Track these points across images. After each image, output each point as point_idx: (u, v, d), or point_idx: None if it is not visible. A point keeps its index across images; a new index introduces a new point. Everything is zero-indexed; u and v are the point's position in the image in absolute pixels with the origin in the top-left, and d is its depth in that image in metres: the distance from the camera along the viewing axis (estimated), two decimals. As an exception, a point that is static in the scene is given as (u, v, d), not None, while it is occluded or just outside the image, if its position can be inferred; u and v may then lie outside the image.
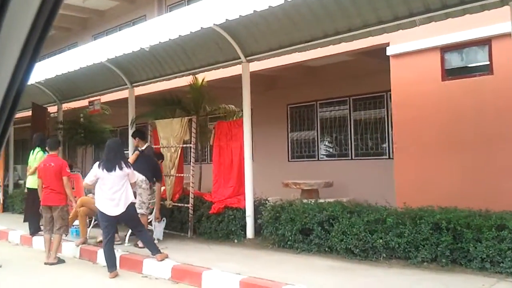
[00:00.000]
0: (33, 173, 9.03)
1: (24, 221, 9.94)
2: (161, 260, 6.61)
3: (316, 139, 12.35)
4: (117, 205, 6.59)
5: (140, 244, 7.44)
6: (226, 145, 8.69)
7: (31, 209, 9.27)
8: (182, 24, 6.99)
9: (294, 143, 12.88)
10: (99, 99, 12.13)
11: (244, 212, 7.85)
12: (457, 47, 7.70)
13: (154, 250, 6.75)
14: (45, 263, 7.37)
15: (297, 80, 11.91)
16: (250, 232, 7.78)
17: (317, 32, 7.31)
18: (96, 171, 6.71)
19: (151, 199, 8.16)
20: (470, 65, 7.73)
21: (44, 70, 9.60)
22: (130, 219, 6.88)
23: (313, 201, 7.34)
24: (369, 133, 11.24)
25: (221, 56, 8.58)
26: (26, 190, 10.08)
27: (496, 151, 7.22)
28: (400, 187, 8.02)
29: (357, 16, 6.76)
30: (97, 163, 6.88)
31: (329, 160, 12.01)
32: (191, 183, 8.78)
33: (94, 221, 8.62)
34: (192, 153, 8.91)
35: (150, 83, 10.40)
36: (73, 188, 8.24)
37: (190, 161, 8.92)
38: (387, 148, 10.84)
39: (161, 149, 9.30)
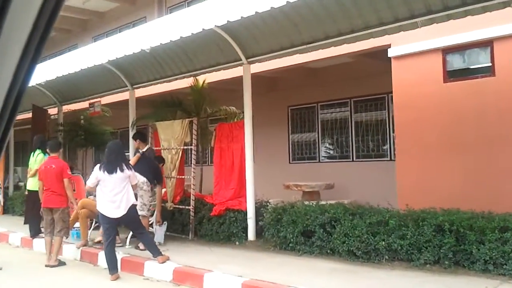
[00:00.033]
0: (33, 175, 9.01)
1: (25, 223, 9.92)
2: (162, 262, 6.59)
3: (317, 141, 12.33)
4: (118, 207, 6.57)
5: (141, 246, 7.42)
6: (227, 147, 8.67)
7: (31, 211, 9.24)
8: (183, 25, 6.98)
9: (295, 145, 12.87)
10: (100, 101, 12.12)
11: (246, 214, 7.83)
12: (459, 48, 7.69)
13: (156, 252, 6.72)
14: (46, 266, 7.34)
15: (298, 82, 11.90)
16: (251, 234, 7.76)
17: (318, 33, 7.30)
18: (97, 173, 6.69)
19: (152, 201, 8.15)
20: (472, 67, 7.72)
21: (44, 72, 9.60)
22: (131, 221, 6.85)
23: (314, 203, 7.32)
24: (370, 135, 11.22)
25: (222, 57, 8.56)
26: (26, 192, 10.06)
27: (498, 152, 7.20)
28: (402, 189, 8.00)
29: (358, 17, 6.75)
30: (98, 165, 6.86)
31: (330, 162, 11.99)
32: (192, 185, 8.76)
33: (95, 223, 8.61)
34: (193, 155, 8.89)
35: (151, 84, 10.39)
36: (74, 190, 8.21)
37: (191, 163, 8.89)
38: (388, 150, 10.82)
39: (162, 151, 9.28)
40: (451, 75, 7.78)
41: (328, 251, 6.55)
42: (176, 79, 9.75)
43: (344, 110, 11.76)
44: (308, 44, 7.48)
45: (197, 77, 9.83)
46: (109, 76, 10.51)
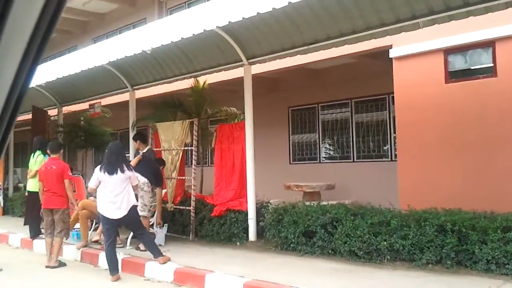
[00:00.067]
0: (33, 176, 8.99)
1: (25, 224, 9.87)
2: (163, 263, 6.57)
3: (317, 141, 12.32)
4: (118, 208, 6.54)
5: (141, 247, 7.40)
6: (228, 148, 8.66)
7: (31, 212, 9.20)
8: (184, 26, 6.97)
9: (296, 145, 12.86)
10: (100, 102, 12.11)
11: (246, 214, 7.81)
12: (461, 49, 7.68)
13: (156, 253, 6.70)
14: (46, 267, 7.32)
15: (298, 83, 11.89)
16: (252, 235, 7.75)
17: (320, 34, 7.29)
18: (98, 175, 6.67)
19: (153, 201, 8.13)
20: (473, 67, 7.71)
21: (44, 73, 9.59)
22: (132, 222, 6.82)
23: (316, 204, 7.31)
24: (371, 135, 11.21)
25: (223, 58, 8.55)
26: (26, 194, 10.04)
27: (500, 152, 7.20)
28: (403, 189, 7.98)
29: (360, 18, 6.74)
30: (99, 166, 6.84)
31: (331, 162, 11.98)
32: (192, 186, 8.74)
33: (95, 224, 8.59)
34: (193, 155, 8.87)
35: (151, 86, 10.37)
36: (74, 191, 8.19)
37: (192, 164, 8.88)
38: (389, 151, 10.81)
39: (162, 152, 9.27)
40: (453, 76, 7.77)
41: (330, 251, 6.53)
42: (177, 80, 9.74)
43: (345, 110, 11.75)
44: (309, 44, 7.47)
45: (197, 78, 9.81)
46: (109, 77, 10.49)
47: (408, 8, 6.30)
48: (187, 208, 8.62)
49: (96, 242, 8.11)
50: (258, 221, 7.75)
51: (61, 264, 7.41)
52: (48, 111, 13.37)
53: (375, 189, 9.55)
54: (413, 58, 8.10)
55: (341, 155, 11.82)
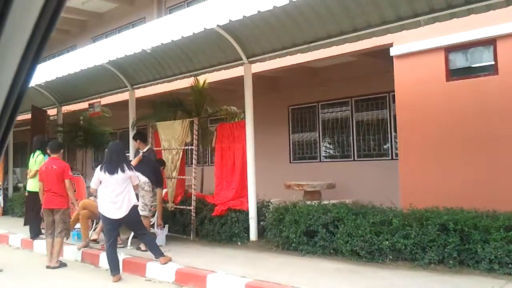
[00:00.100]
0: (33, 176, 8.97)
1: (25, 224, 9.87)
2: (164, 263, 6.55)
3: (318, 140, 12.30)
4: (119, 208, 6.51)
5: (142, 247, 7.38)
6: (228, 147, 8.64)
7: (31, 212, 9.18)
8: (184, 25, 6.94)
9: (296, 144, 12.83)
10: (99, 101, 12.06)
11: (247, 214, 7.79)
12: (462, 47, 7.66)
13: (157, 253, 6.67)
14: (47, 267, 7.29)
15: (298, 82, 11.87)
16: (253, 235, 7.73)
17: (320, 32, 7.25)
18: (98, 174, 6.64)
19: (154, 201, 8.10)
20: (474, 65, 7.68)
21: (43, 73, 9.55)
22: (132, 222, 6.79)
23: (317, 203, 7.29)
24: (371, 134, 11.19)
25: (223, 57, 8.52)
26: (26, 193, 10.01)
27: (501, 151, 7.17)
28: (404, 188, 7.96)
29: (361, 16, 6.71)
30: (99, 166, 6.81)
31: (331, 161, 11.96)
32: (193, 185, 8.71)
33: (95, 224, 8.57)
34: (194, 155, 8.84)
35: (151, 85, 10.34)
36: (74, 191, 8.16)
37: (192, 163, 8.85)
38: (389, 149, 10.79)
39: (163, 151, 9.24)
40: (454, 74, 7.75)
41: (331, 251, 6.51)
42: (177, 79, 9.70)
43: (345, 109, 11.73)
44: (309, 43, 7.44)
45: (197, 77, 9.78)
46: (109, 77, 10.46)
47: (409, 6, 6.27)
48: (188, 207, 8.59)
49: (94, 241, 8.08)
50: (259, 221, 7.73)
51: (62, 265, 7.39)
52: (48, 110, 13.32)
53: (376, 188, 9.52)
54: (414, 56, 8.07)
55: (342, 154, 11.79)
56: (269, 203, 7.95)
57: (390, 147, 10.77)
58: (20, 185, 15.57)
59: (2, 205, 13.59)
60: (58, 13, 0.78)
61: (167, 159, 9.08)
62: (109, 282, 6.33)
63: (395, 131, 9.51)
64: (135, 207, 6.72)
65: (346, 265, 6.06)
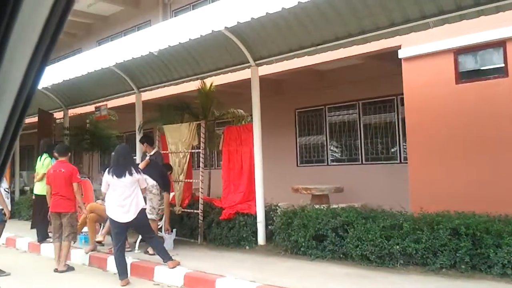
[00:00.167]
0: (40, 179, 8.96)
1: (32, 227, 9.85)
2: (172, 267, 6.51)
3: (325, 143, 12.23)
4: (127, 211, 6.48)
5: (150, 250, 7.35)
6: (236, 150, 8.59)
7: (38, 215, 9.17)
8: (191, 28, 6.92)
9: (303, 147, 12.77)
10: (106, 104, 12.06)
11: (255, 218, 7.75)
12: (471, 49, 7.59)
13: (166, 257, 6.64)
14: (55, 271, 7.27)
15: (305, 84, 11.81)
16: (261, 239, 7.68)
17: (328, 35, 7.22)
18: (107, 178, 6.62)
19: (161, 204, 8.07)
20: (484, 68, 7.61)
21: (50, 76, 9.56)
22: (140, 225, 6.76)
23: (326, 207, 7.23)
24: (379, 137, 11.12)
25: (230, 60, 8.50)
26: (33, 197, 10.00)
27: (512, 154, 7.09)
28: (414, 192, 7.88)
29: (369, 18, 6.67)
30: (107, 169, 6.79)
31: (339, 165, 11.89)
32: (200, 189, 8.67)
33: (103, 227, 8.54)
34: (201, 158, 8.81)
35: (157, 88, 10.33)
36: (81, 194, 8.14)
37: (199, 166, 8.81)
38: (397, 153, 10.72)
39: (170, 154, 9.20)
40: (463, 76, 7.68)
41: (341, 255, 6.45)
42: (183, 82, 9.69)
43: (352, 112, 11.66)
44: (317, 45, 7.41)
45: (204, 80, 9.76)
46: (115, 80, 10.46)
47: (418, 8, 6.23)
48: (195, 211, 8.55)
49: (99, 242, 8.01)
50: (267, 225, 7.68)
51: (70, 268, 7.36)
52: (54, 113, 13.33)
53: (384, 192, 9.46)
54: (423, 58, 8.01)
55: (349, 157, 11.72)
56: (277, 207, 7.90)
57: (398, 150, 10.70)
58: (27, 188, 15.58)
59: (9, 208, 13.56)
60: (67, 13, 0.77)
61: (174, 162, 9.05)
62: (117, 286, 6.29)
63: (404, 134, 9.44)
64: (143, 211, 6.68)
65: (355, 270, 6.00)
